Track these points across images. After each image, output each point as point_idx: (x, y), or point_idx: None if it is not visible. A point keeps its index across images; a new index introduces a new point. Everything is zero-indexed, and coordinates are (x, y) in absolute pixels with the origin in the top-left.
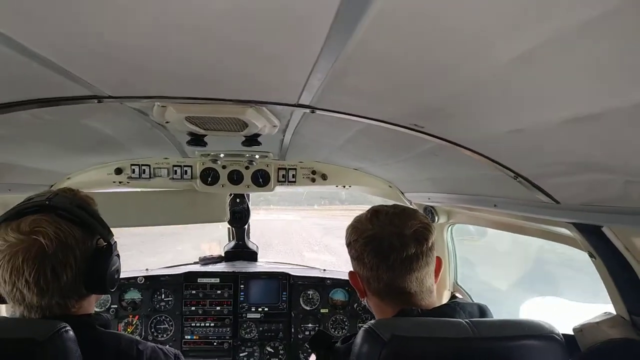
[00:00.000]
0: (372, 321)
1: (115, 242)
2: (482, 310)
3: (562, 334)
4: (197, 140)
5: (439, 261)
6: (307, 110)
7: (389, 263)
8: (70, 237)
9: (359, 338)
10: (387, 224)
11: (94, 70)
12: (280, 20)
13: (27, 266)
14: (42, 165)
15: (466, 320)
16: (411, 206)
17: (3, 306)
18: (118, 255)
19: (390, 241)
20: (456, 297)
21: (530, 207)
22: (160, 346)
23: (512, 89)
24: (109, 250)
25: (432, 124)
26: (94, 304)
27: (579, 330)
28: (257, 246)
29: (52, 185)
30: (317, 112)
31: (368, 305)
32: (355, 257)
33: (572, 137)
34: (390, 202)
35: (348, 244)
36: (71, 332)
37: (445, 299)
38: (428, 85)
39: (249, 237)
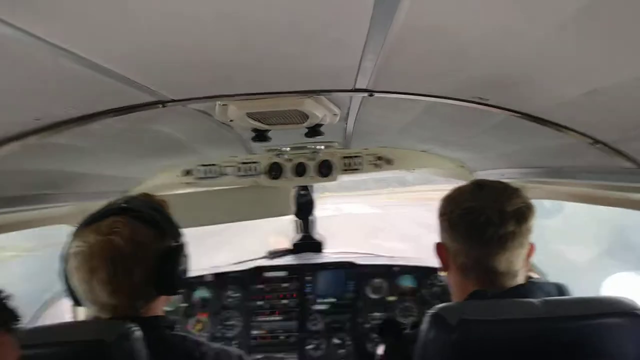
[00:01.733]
0: (439, 305)
1: (186, 242)
2: (561, 290)
3: None
4: (261, 136)
5: (532, 247)
6: (365, 95)
7: (483, 238)
8: (143, 236)
9: (425, 324)
10: (490, 199)
11: (156, 76)
12: (322, 6)
13: (102, 265)
14: (116, 173)
15: (538, 300)
16: None
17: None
18: (186, 256)
19: (489, 215)
20: (532, 277)
21: (612, 174)
22: (225, 347)
23: (579, 47)
24: (179, 251)
25: (497, 95)
26: (162, 307)
27: None
28: (323, 236)
29: (126, 192)
30: (376, 95)
31: (447, 281)
32: (447, 229)
33: None
34: (461, 183)
35: (442, 214)
36: (138, 333)
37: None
38: (486, 53)
39: (315, 228)
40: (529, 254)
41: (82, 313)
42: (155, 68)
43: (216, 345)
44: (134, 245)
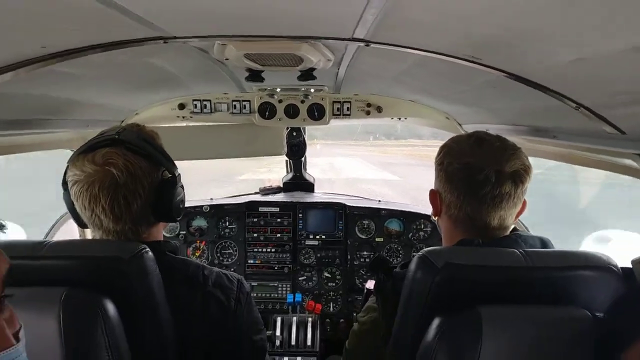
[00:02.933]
0: (426, 249)
1: (179, 174)
2: (544, 243)
3: (621, 267)
4: (255, 75)
5: (524, 204)
6: (362, 44)
7: (478, 195)
8: (137, 168)
9: (413, 264)
10: (489, 156)
11: (160, 12)
12: None
13: (102, 194)
14: (114, 103)
15: (520, 250)
16: None
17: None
18: (182, 187)
19: (487, 175)
20: (517, 230)
21: (593, 138)
22: (224, 271)
23: (572, 16)
24: (173, 182)
25: (490, 55)
26: (162, 232)
27: (638, 262)
28: (313, 178)
29: (122, 121)
30: (372, 45)
31: (438, 225)
32: (443, 180)
33: (637, 64)
34: (448, 135)
35: (439, 163)
36: (150, 253)
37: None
38: (485, 14)
39: (305, 169)
40: (521, 211)
41: (89, 233)
42: (159, 3)
43: (217, 269)
44: (129, 176)
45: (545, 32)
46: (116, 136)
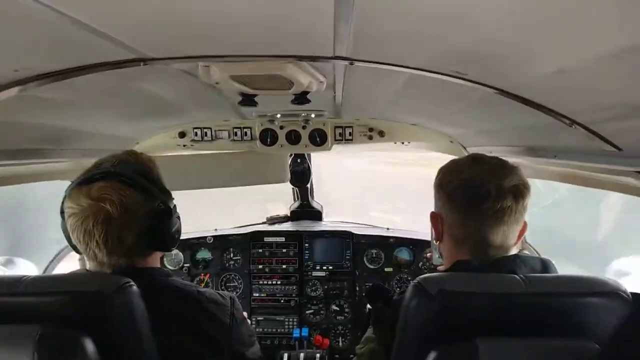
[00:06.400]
0: (423, 276)
1: (175, 205)
2: (545, 265)
3: (631, 292)
4: (248, 100)
5: (525, 225)
6: (346, 63)
7: (481, 209)
8: (132, 202)
9: (408, 293)
10: (488, 172)
11: (134, 33)
12: None
13: (96, 230)
14: (113, 131)
15: (521, 275)
16: None
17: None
18: (179, 217)
19: (489, 188)
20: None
21: (592, 156)
22: (217, 290)
23: (549, 24)
24: (168, 213)
25: (475, 71)
26: (158, 260)
27: None
28: (321, 205)
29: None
30: (356, 63)
31: (439, 251)
32: (445, 200)
33: (623, 74)
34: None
35: (438, 185)
36: (134, 287)
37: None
38: (457, 26)
39: (313, 197)
40: (522, 231)
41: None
42: (134, 24)
43: (210, 289)
44: (123, 211)
45: (521, 44)
46: (112, 169)
